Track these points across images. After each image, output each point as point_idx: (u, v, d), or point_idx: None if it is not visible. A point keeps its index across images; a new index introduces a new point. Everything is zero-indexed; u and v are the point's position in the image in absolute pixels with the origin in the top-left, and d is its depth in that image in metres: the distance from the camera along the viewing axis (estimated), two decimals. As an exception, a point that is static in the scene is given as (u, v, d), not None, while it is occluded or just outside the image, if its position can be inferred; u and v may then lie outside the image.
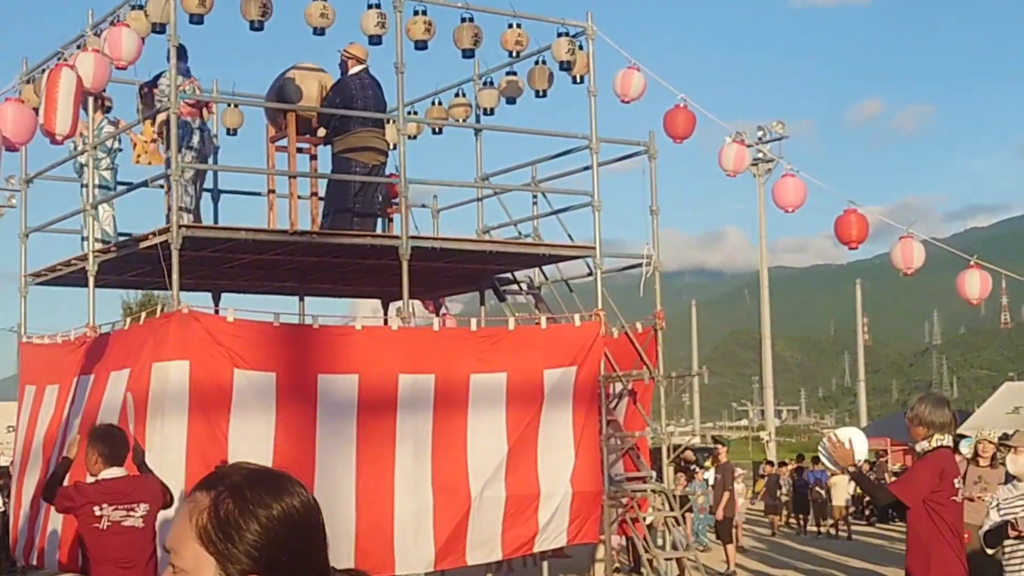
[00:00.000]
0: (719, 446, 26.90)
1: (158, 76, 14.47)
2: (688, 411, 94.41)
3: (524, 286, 16.74)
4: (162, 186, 14.20)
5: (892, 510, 8.49)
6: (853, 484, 35.03)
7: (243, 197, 17.06)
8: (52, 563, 13.25)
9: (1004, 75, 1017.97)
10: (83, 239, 14.89)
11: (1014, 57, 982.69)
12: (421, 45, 14.08)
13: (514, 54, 15.10)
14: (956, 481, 7.91)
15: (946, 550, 7.76)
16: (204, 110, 15.32)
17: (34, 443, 14.55)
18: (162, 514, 9.40)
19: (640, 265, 15.38)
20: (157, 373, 12.30)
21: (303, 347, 12.91)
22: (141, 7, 12.88)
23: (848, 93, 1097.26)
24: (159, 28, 12.74)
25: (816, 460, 33.64)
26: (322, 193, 15.21)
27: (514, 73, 16.28)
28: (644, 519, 15.03)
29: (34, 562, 13.98)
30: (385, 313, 17.31)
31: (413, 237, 13.92)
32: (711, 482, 24.90)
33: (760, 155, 42.35)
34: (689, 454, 27.54)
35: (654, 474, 15.17)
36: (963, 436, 25.12)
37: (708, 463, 28.26)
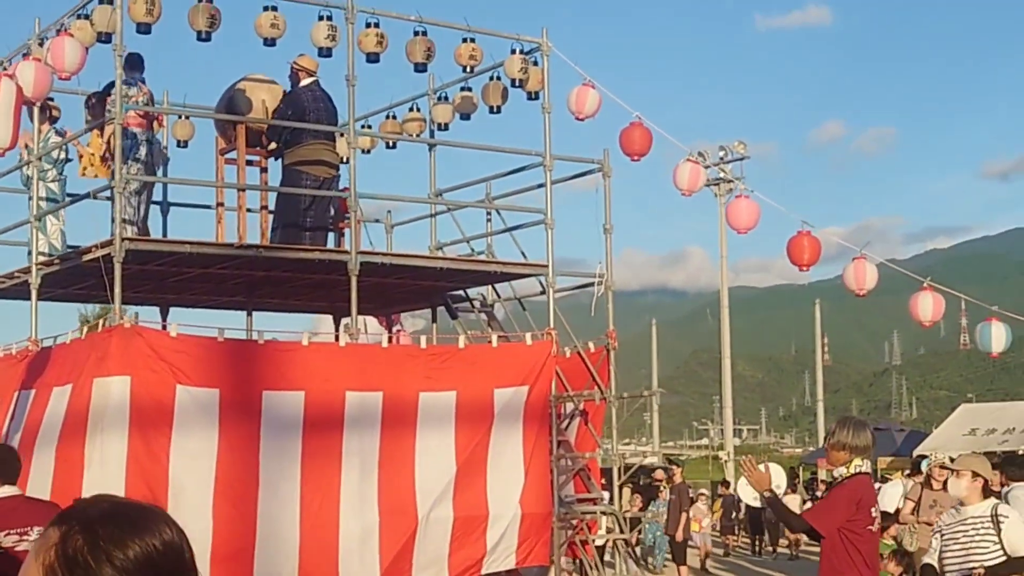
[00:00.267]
0: (673, 467, 26.79)
1: (110, 86, 14.24)
2: (648, 430, 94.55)
3: (477, 304, 16.55)
4: (108, 198, 13.95)
5: (808, 537, 8.17)
6: (809, 504, 35.19)
7: (194, 210, 16.81)
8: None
9: (964, 98, 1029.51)
10: (29, 252, 14.64)
11: (973, 81, 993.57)
12: (373, 58, 13.91)
13: (468, 69, 14.94)
14: (873, 510, 7.70)
15: None
16: (155, 122, 15.10)
17: (-27, 459, 14.21)
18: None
19: (593, 283, 15.23)
20: (99, 389, 12.04)
21: (248, 363, 12.68)
22: (87, 17, 12.67)
23: (810, 115, 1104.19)
24: (105, 38, 12.53)
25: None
26: (272, 207, 15.00)
27: (469, 88, 16.13)
28: (593, 541, 14.85)
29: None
30: (336, 329, 17.09)
31: (362, 252, 13.72)
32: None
33: (722, 175, 42.51)
34: (659, 472, 27.44)
35: (605, 495, 15.00)
36: (924, 457, 25.14)
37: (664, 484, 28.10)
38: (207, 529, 12.05)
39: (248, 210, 14.91)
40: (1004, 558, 8.45)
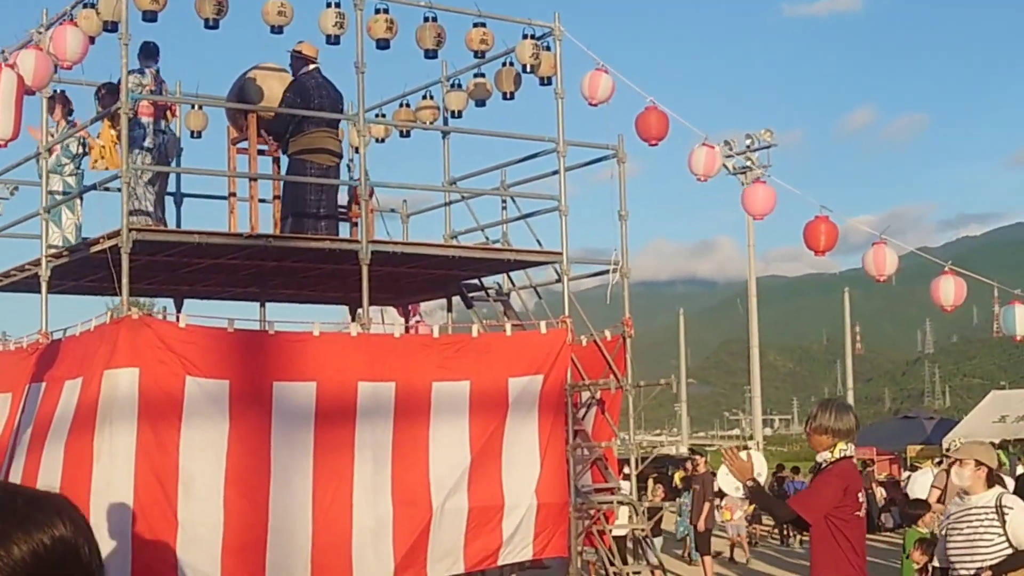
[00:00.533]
0: (697, 457, 26.51)
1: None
2: (679, 420, 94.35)
3: (492, 293, 16.38)
4: (119, 190, 13.86)
5: (794, 526, 7.92)
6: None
7: (208, 201, 16.69)
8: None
9: (996, 84, 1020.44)
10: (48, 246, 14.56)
11: (1006, 66, 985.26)
12: (383, 44, 13.74)
13: (479, 54, 14.75)
14: (860, 495, 7.49)
15: (848, 569, 7.35)
16: (168, 112, 15.01)
17: (-15, 453, 14.18)
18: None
19: (608, 272, 15.01)
20: (107, 381, 11.93)
21: (258, 354, 12.55)
22: (92, 5, 12.56)
23: (840, 102, 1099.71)
24: (111, 27, 12.41)
25: (796, 470, 33.34)
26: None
27: (482, 75, 15.95)
28: (610, 531, 14.67)
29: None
30: (353, 320, 16.96)
31: (373, 241, 13.57)
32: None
33: (749, 163, 42.16)
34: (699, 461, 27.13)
35: (622, 485, 14.80)
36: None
37: (678, 475, 27.87)
38: (218, 521, 11.96)
39: (261, 200, 14.80)
40: (1009, 548, 8.20)
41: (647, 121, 14.46)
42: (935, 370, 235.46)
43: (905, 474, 33.18)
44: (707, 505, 22.29)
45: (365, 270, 13.18)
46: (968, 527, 8.36)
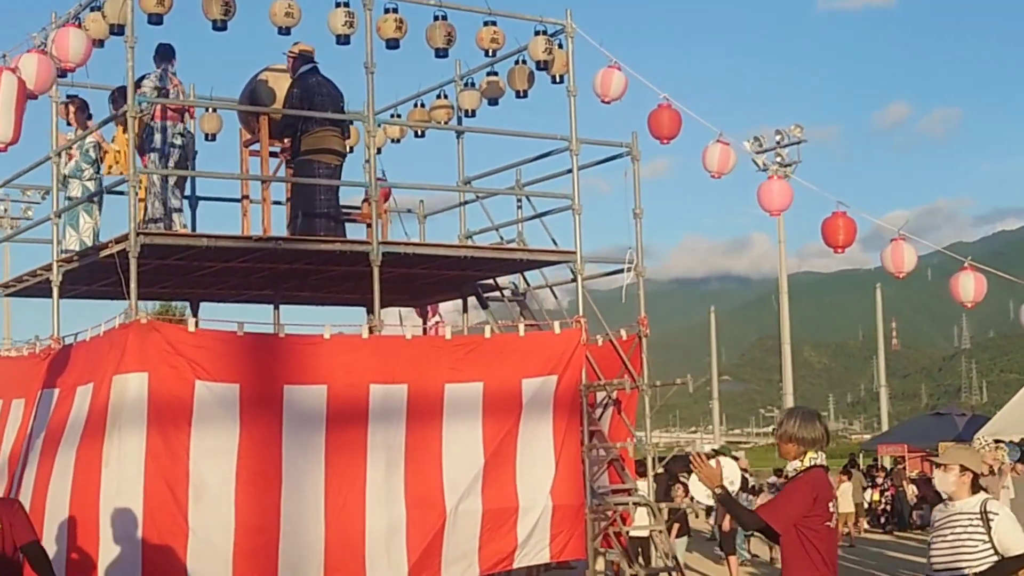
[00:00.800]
0: (719, 457, 26.26)
1: (141, 79, 14.11)
2: (712, 418, 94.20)
3: (508, 293, 16.26)
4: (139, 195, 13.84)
5: (764, 535, 7.67)
6: (871, 491, 34.63)
7: (224, 204, 16.63)
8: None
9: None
10: (62, 251, 14.56)
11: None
12: (392, 44, 13.64)
13: (490, 53, 14.62)
14: (830, 505, 7.26)
15: None
16: (187, 114, 15.00)
17: (-1, 458, 14.18)
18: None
19: (624, 271, 14.85)
20: (117, 386, 11.89)
21: (269, 357, 12.48)
22: (99, 9, 12.53)
23: (874, 97, 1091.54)
24: (117, 30, 12.37)
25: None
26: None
27: (495, 73, 15.84)
28: (627, 532, 14.53)
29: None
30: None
31: (384, 243, 13.48)
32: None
33: (779, 159, 41.91)
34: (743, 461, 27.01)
35: (641, 486, 14.66)
36: (999, 442, 24.45)
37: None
38: (229, 526, 11.91)
39: (275, 202, 14.75)
40: (994, 556, 7.96)
41: (659, 119, 14.35)
42: (972, 365, 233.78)
43: (982, 471, 32.82)
44: (732, 505, 22.05)
45: (376, 271, 13.10)
46: (952, 534, 8.10)
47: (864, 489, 33.46)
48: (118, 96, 14.52)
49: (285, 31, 13.09)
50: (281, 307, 16.43)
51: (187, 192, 15.75)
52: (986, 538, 7.95)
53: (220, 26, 12.69)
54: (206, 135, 16.76)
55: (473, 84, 16.19)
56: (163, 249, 12.79)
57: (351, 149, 16.15)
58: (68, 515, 11.85)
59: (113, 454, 11.69)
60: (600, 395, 14.51)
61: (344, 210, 14.88)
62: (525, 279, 16.11)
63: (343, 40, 13.32)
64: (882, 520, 33.74)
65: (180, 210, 14.27)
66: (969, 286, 13.80)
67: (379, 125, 15.64)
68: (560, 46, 14.63)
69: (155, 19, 12.24)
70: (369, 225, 14.83)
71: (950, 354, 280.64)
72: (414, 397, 13.04)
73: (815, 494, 7.19)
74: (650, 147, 15.12)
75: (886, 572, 22.39)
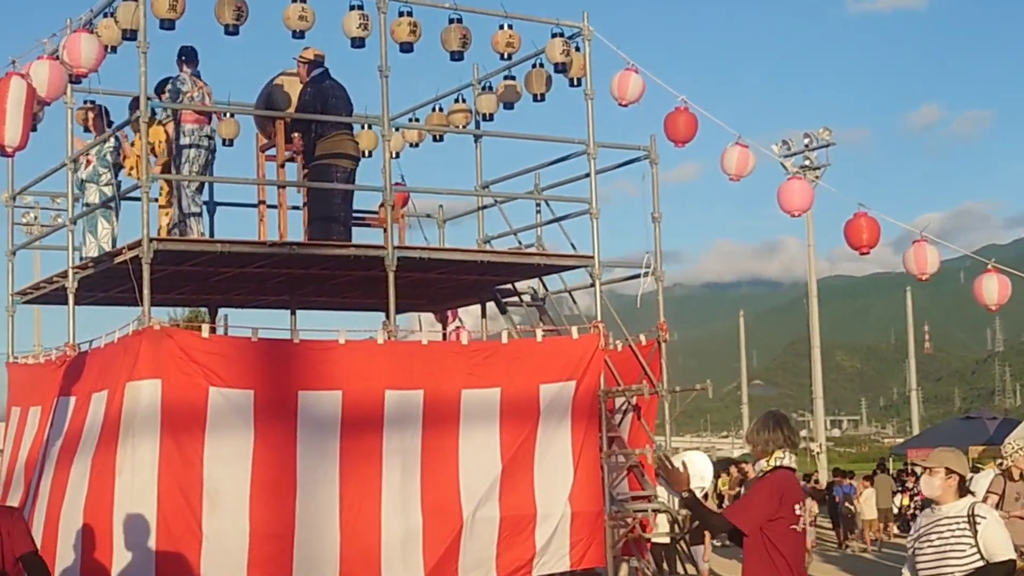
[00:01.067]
0: (742, 464, 26.05)
1: (163, 82, 14.08)
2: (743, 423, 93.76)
3: (527, 298, 16.13)
4: (155, 199, 13.80)
5: (731, 539, 7.49)
6: (900, 496, 34.30)
7: (242, 209, 16.56)
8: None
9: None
10: (81, 257, 14.54)
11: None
12: (407, 48, 13.53)
13: (505, 56, 14.48)
14: (797, 507, 7.12)
15: None
16: (213, 116, 14.96)
17: (16, 467, 14.17)
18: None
19: (642, 275, 14.69)
20: (130, 393, 11.83)
21: (283, 363, 12.39)
22: (112, 15, 12.48)
23: (905, 100, 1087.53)
24: (130, 35, 12.31)
25: (847, 474, 32.79)
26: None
27: (512, 77, 15.71)
28: (647, 540, 14.37)
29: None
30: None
31: (399, 247, 13.38)
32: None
33: (807, 162, 41.64)
34: (748, 466, 26.67)
35: (659, 492, 14.51)
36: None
37: (721, 481, 27.38)
38: (244, 532, 11.82)
39: (292, 207, 14.67)
40: (980, 561, 7.71)
41: (675, 122, 14.21)
42: (1005, 369, 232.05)
43: (968, 476, 32.52)
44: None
45: (391, 276, 13.00)
46: (939, 538, 7.83)
47: (894, 494, 33.16)
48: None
49: (299, 35, 13.01)
50: (298, 312, 16.37)
51: (205, 197, 15.70)
52: (973, 542, 7.69)
53: (232, 31, 12.62)
54: (224, 140, 16.69)
55: (490, 88, 16.07)
56: (178, 255, 12.74)
57: (369, 154, 16.09)
58: (83, 523, 11.80)
59: (127, 462, 11.62)
60: (619, 401, 14.36)
61: (361, 215, 14.79)
62: (544, 284, 15.98)
63: (358, 43, 13.22)
64: (911, 525, 33.44)
65: (199, 215, 14.22)
66: (993, 288, 13.60)
67: (396, 129, 15.62)
68: (577, 49, 14.50)
69: (167, 24, 12.17)
70: (385, 230, 14.76)
71: (983, 357, 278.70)
72: (430, 403, 12.93)
73: (780, 494, 7.08)
74: (677, 152, 14.97)
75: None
